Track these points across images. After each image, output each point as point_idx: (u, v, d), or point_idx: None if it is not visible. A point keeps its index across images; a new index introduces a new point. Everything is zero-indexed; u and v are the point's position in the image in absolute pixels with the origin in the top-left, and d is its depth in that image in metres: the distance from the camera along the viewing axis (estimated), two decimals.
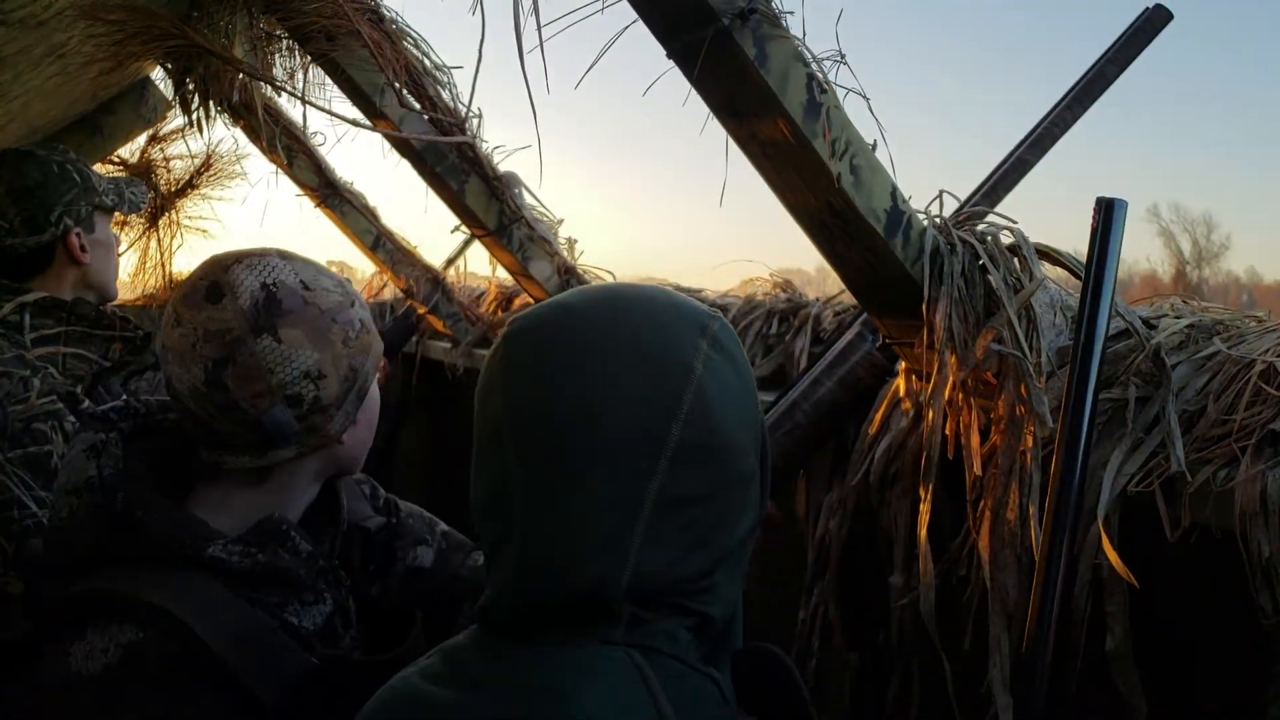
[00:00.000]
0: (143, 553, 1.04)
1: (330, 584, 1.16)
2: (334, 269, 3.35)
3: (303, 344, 1.08)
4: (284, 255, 1.14)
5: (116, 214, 1.96)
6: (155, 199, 3.18)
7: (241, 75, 2.23)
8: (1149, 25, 1.54)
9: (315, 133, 2.81)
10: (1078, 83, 1.58)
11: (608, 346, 0.74)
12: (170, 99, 2.96)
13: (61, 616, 1.03)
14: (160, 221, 3.25)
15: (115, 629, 0.99)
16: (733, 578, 0.77)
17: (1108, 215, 1.14)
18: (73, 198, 1.79)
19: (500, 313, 3.02)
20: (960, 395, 1.40)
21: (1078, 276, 1.39)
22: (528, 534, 0.73)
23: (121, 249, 2.16)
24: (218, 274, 1.10)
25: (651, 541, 0.72)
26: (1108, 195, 1.13)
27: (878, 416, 1.63)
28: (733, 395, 0.76)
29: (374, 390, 1.21)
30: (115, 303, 1.98)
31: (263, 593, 1.08)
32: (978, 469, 1.37)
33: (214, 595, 1.04)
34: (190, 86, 2.28)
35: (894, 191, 1.33)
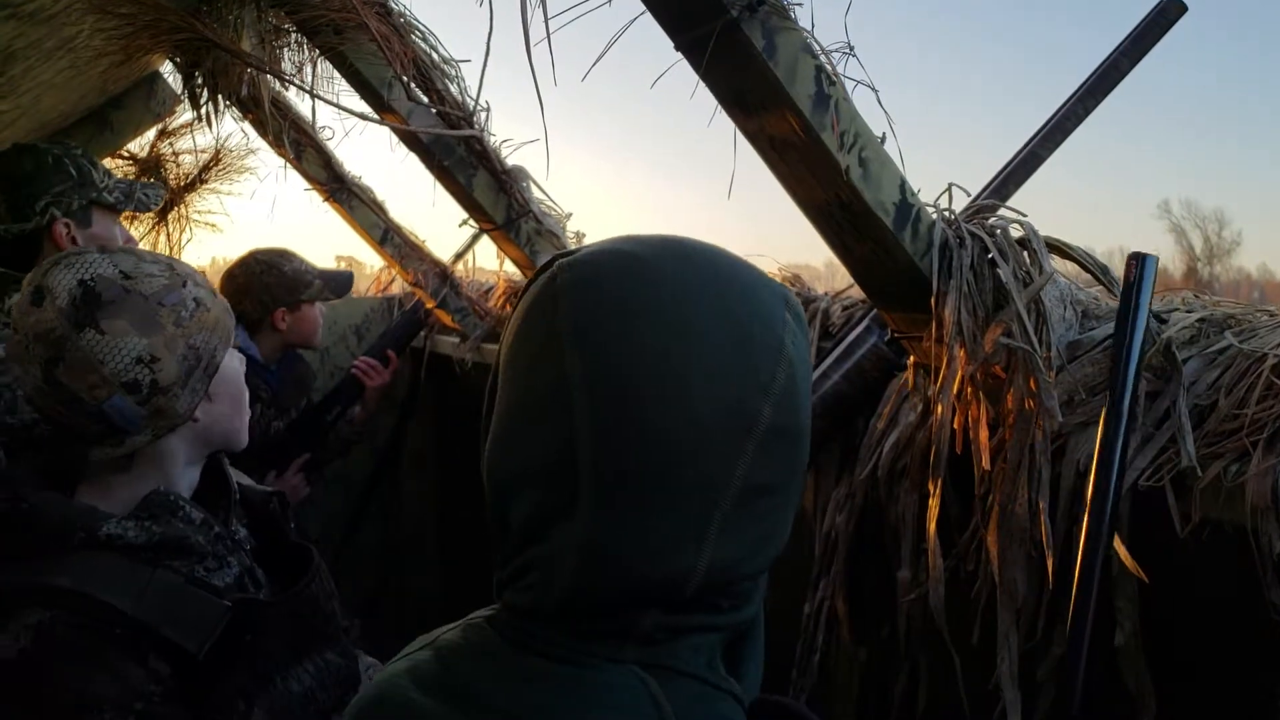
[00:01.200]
0: (38, 546, 1.08)
1: (230, 549, 1.20)
2: (343, 264, 3.33)
3: (128, 331, 1.12)
4: (104, 250, 1.18)
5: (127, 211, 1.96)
6: (164, 193, 3.19)
7: (250, 69, 2.23)
8: (1162, 18, 1.53)
9: (323, 127, 2.82)
10: (1091, 76, 1.57)
11: (694, 309, 0.65)
12: (179, 93, 2.96)
13: None
14: (169, 216, 3.25)
15: (23, 615, 1.03)
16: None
17: (1140, 269, 1.21)
18: (64, 190, 1.79)
19: (509, 307, 3.01)
20: (969, 389, 1.39)
21: (1088, 270, 1.39)
22: (598, 512, 0.64)
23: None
24: (39, 278, 1.15)
25: (727, 532, 0.65)
26: (1140, 251, 1.23)
27: (886, 411, 1.62)
28: (808, 376, 0.70)
29: (231, 364, 1.23)
30: None
31: (165, 564, 1.12)
32: (986, 463, 1.37)
33: (116, 565, 1.08)
34: (199, 80, 2.29)
35: (903, 184, 1.32)
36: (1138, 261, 1.21)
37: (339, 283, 2.73)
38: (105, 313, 1.12)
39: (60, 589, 1.04)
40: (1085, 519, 1.16)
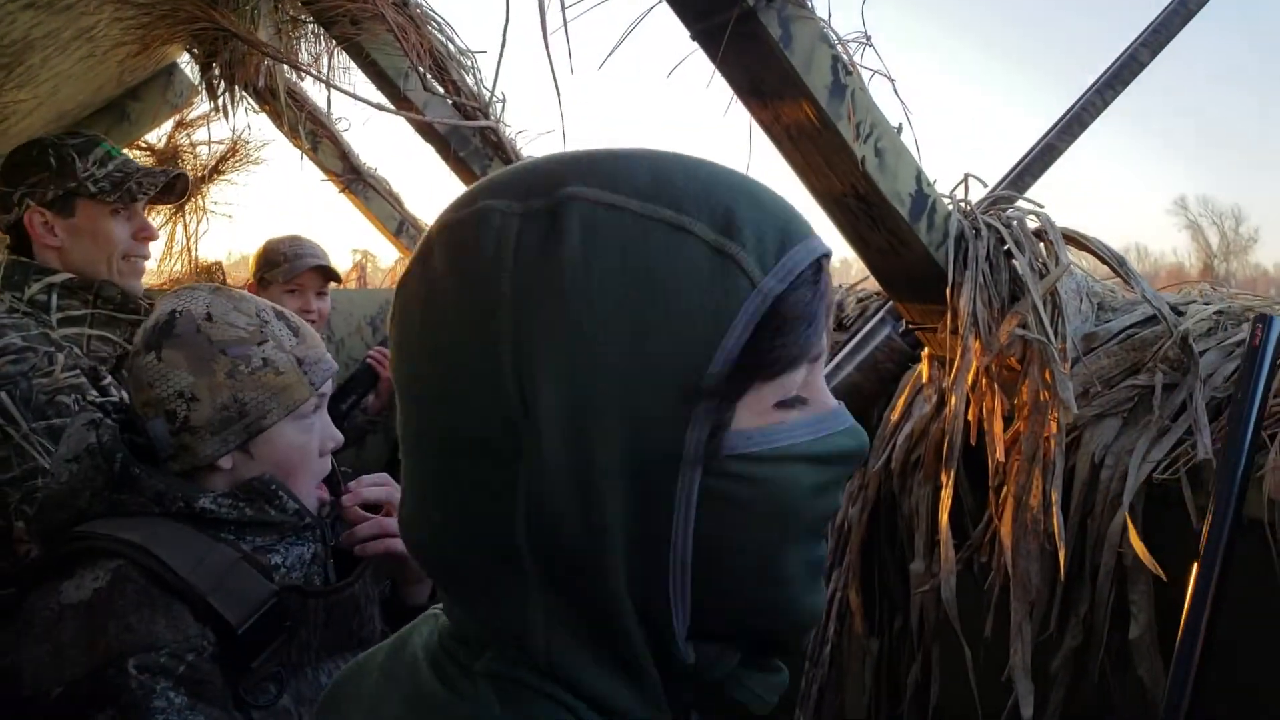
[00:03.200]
0: (136, 509, 1.17)
1: (315, 538, 1.28)
2: (357, 256, 3.28)
3: (180, 365, 1.21)
4: (216, 290, 1.27)
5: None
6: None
7: (267, 60, 2.24)
8: (1183, 7, 1.52)
9: (339, 118, 2.83)
10: (1110, 67, 1.57)
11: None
12: (196, 84, 2.97)
13: (52, 564, 1.16)
14: (186, 206, 3.27)
15: (104, 561, 1.12)
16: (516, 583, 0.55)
17: (1266, 331, 1.16)
18: (38, 180, 1.78)
19: None
20: (984, 381, 1.39)
21: (1105, 262, 1.38)
22: None
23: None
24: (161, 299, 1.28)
25: (404, 486, 0.60)
26: (1266, 312, 1.18)
27: (900, 402, 1.62)
28: (421, 324, 0.55)
29: (290, 436, 1.25)
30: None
31: (248, 535, 1.21)
32: (1000, 455, 1.36)
33: (179, 533, 1.17)
34: (216, 71, 2.30)
35: (919, 175, 1.31)
36: (1264, 324, 1.17)
37: (295, 267, 2.67)
38: (170, 343, 1.21)
39: (130, 542, 1.13)
40: (1193, 574, 1.09)
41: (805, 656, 1.72)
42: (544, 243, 0.52)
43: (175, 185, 1.97)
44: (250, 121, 3.61)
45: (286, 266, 2.63)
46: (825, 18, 1.22)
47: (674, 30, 1.27)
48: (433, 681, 0.57)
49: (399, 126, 2.30)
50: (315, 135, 2.82)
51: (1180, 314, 1.34)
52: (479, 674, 0.56)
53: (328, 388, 1.30)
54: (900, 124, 1.31)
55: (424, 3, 2.06)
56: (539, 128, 2.33)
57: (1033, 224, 1.38)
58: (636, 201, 0.53)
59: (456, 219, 0.55)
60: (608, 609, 0.54)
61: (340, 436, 1.34)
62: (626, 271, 0.51)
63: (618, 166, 0.55)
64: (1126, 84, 1.55)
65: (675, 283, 0.51)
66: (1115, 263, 1.36)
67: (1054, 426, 1.30)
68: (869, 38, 1.25)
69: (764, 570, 0.57)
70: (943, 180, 1.37)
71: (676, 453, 0.52)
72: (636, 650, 0.55)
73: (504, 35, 1.71)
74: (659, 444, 0.52)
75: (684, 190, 0.54)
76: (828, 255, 0.57)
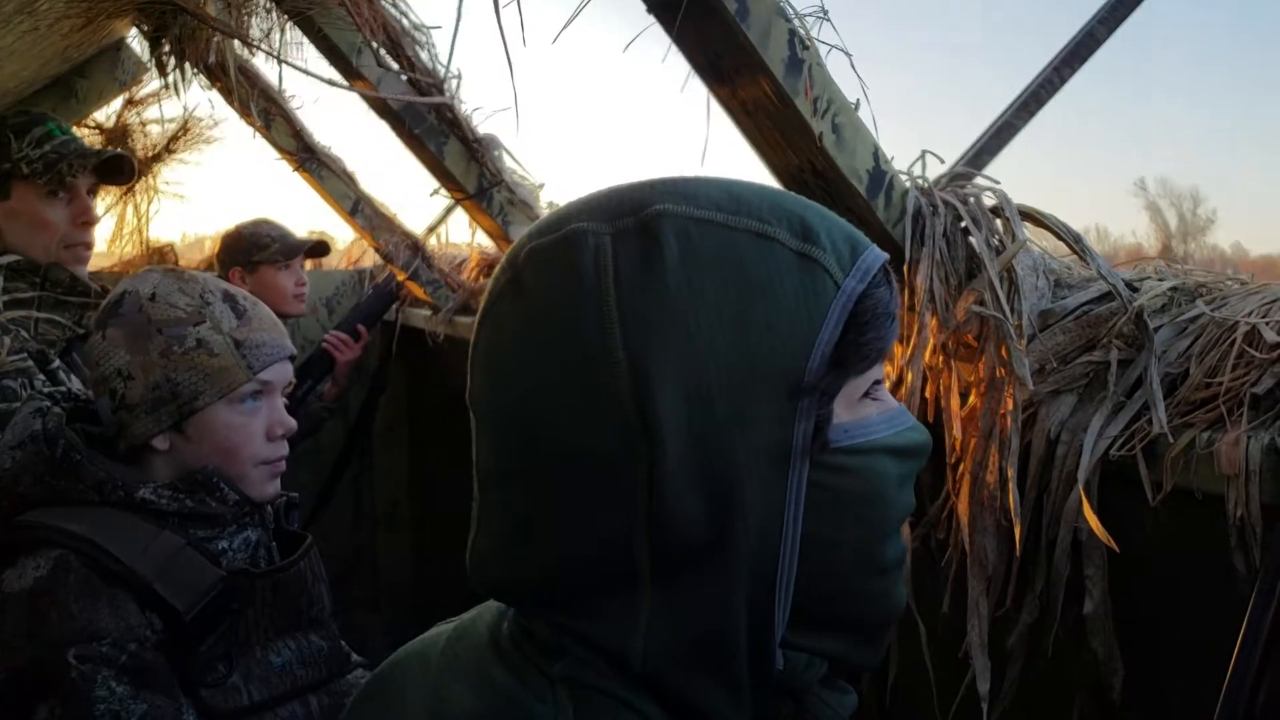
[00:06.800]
0: (77, 497, 1.17)
1: (255, 523, 1.29)
2: (314, 237, 3.27)
3: (119, 343, 1.22)
4: (169, 272, 1.28)
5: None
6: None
7: (217, 35, 2.19)
8: None
9: (292, 95, 2.78)
10: (1066, 45, 1.57)
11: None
12: (145, 61, 2.91)
13: None
14: (137, 187, 3.20)
15: (46, 550, 1.13)
16: (619, 601, 0.56)
17: None
18: None
19: (482, 279, 2.98)
20: (940, 358, 1.39)
21: (1061, 239, 1.38)
22: None
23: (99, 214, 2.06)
24: None
25: (481, 522, 0.61)
26: None
27: None
28: (521, 351, 0.57)
29: (226, 417, 1.25)
30: (92, 269, 1.94)
31: (190, 529, 1.21)
32: (957, 432, 1.36)
33: (125, 522, 1.17)
34: (165, 47, 2.24)
35: (876, 151, 1.31)
36: None
37: (290, 245, 2.69)
38: (114, 322, 1.23)
39: (73, 533, 1.14)
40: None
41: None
42: (642, 257, 0.54)
43: (122, 167, 1.91)
44: (201, 99, 3.54)
45: (277, 247, 2.65)
46: None
47: (630, 3, 1.25)
48: (505, 676, 0.59)
49: (353, 104, 2.27)
50: (268, 113, 2.77)
51: (1135, 290, 1.35)
52: (557, 679, 0.57)
53: (275, 373, 1.28)
54: (858, 100, 1.30)
55: None
56: (495, 104, 2.29)
57: (990, 201, 1.38)
58: (721, 214, 0.56)
59: (545, 244, 0.57)
60: (722, 609, 0.56)
61: (293, 423, 1.32)
62: (725, 277, 0.54)
63: (696, 186, 0.58)
64: (1084, 61, 1.56)
65: (770, 285, 0.55)
66: (1071, 240, 1.37)
67: (1010, 403, 1.30)
68: (825, 12, 1.24)
69: (864, 561, 0.60)
70: (900, 157, 1.36)
71: (786, 447, 0.55)
72: (738, 653, 0.57)
73: (459, 10, 1.68)
74: (771, 440, 0.54)
75: (759, 204, 0.57)
76: (889, 260, 0.60)
